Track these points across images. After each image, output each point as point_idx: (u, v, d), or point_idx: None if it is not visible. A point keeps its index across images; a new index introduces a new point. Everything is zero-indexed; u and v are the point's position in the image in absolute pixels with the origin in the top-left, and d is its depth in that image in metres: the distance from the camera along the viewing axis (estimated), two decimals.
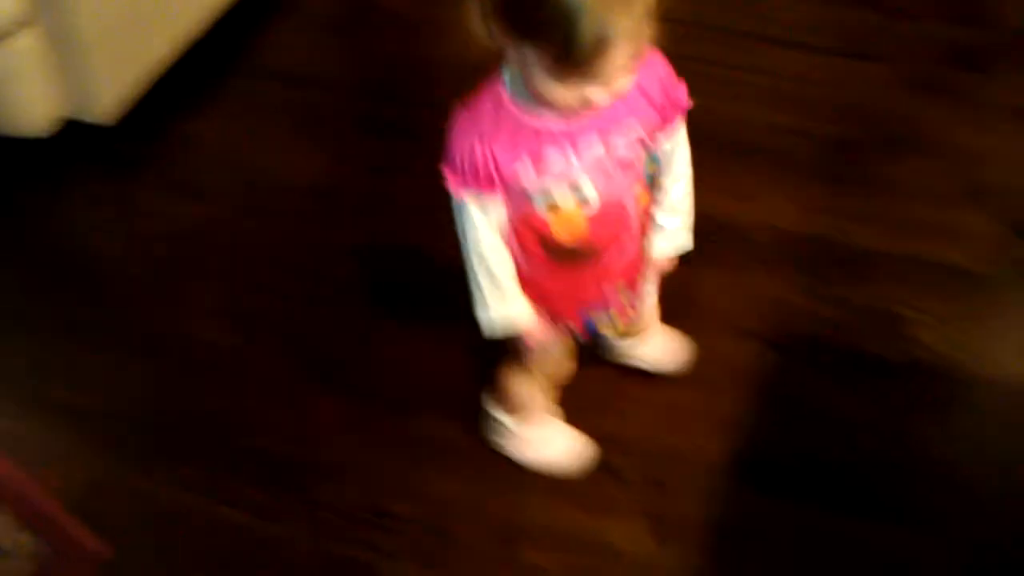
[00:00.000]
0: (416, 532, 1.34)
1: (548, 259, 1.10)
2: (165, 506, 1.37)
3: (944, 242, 1.64)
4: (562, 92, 0.93)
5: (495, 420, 1.39)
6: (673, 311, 1.46)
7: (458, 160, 1.02)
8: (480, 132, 1.00)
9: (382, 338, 1.56)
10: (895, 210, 1.71)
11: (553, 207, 1.05)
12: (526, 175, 1.02)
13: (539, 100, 0.97)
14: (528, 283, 1.13)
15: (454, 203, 1.07)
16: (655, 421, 1.43)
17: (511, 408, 1.36)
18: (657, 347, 1.46)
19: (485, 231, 1.06)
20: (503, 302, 1.11)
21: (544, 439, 1.38)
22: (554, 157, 1.01)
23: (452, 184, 1.04)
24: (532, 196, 1.04)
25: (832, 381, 1.47)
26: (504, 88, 1.01)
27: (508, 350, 1.27)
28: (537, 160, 1.01)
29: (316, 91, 2.00)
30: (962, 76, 1.94)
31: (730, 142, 1.80)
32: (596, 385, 1.46)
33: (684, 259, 1.24)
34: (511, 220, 1.07)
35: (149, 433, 1.46)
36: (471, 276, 1.10)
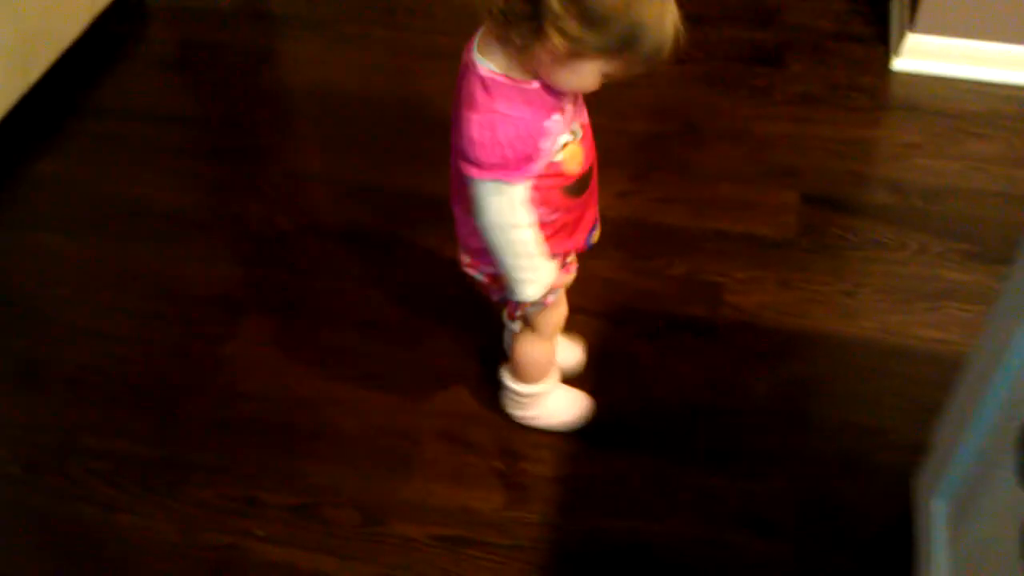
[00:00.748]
0: (288, 517, 1.42)
1: (565, 198, 1.20)
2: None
3: (746, 216, 1.84)
4: (596, 80, 1.06)
5: (518, 394, 1.48)
6: None
7: (504, 152, 1.08)
8: (512, 119, 1.07)
9: (245, 341, 1.65)
10: (702, 192, 1.90)
11: (562, 149, 1.15)
12: (553, 135, 1.11)
13: (547, 81, 1.07)
14: (557, 229, 1.23)
15: (488, 198, 1.12)
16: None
17: (534, 376, 1.46)
18: (577, 351, 1.61)
19: (523, 212, 1.14)
20: (541, 270, 1.22)
21: (560, 398, 1.52)
22: (562, 111, 1.12)
23: (503, 177, 1.10)
24: (553, 150, 1.13)
25: (660, 344, 1.64)
26: (498, 76, 1.07)
27: (526, 322, 1.39)
28: (555, 119, 1.11)
29: (163, 125, 2.08)
30: (756, 70, 2.16)
31: None
32: (442, 365, 1.60)
33: None
34: (535, 184, 1.15)
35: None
36: (510, 258, 1.19)
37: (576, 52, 1.00)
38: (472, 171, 1.10)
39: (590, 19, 0.98)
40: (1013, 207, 1.85)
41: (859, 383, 1.59)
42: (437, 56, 2.16)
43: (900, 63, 2.13)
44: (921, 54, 2.11)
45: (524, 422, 1.53)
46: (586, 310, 1.66)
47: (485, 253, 1.23)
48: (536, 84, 1.08)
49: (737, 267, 1.75)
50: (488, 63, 1.08)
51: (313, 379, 1.59)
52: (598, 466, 1.48)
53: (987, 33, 2.06)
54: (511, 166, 1.09)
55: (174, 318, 1.70)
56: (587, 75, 1.05)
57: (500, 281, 1.27)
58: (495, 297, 1.35)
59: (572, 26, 0.98)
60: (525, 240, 1.17)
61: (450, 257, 1.76)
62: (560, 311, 1.41)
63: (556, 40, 0.98)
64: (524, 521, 1.41)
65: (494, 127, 1.07)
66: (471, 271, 1.32)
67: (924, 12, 2.05)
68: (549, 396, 1.50)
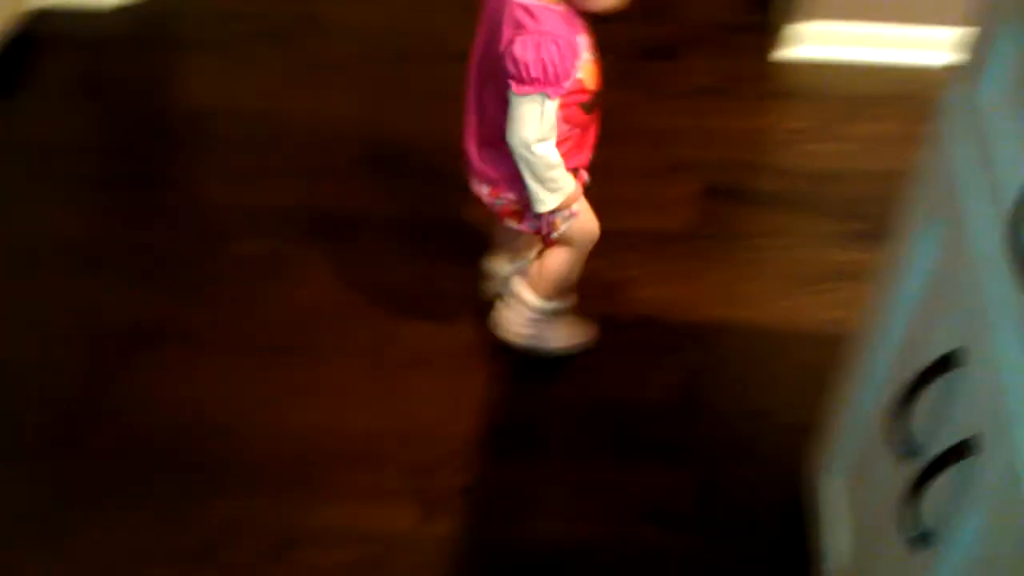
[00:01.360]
0: (188, 561, 1.40)
1: (581, 114, 1.34)
2: None
3: (646, 211, 1.87)
4: None
5: (535, 309, 1.56)
6: (417, 304, 1.63)
7: (549, 68, 1.22)
8: (557, 37, 1.22)
9: (149, 372, 1.63)
10: (603, 189, 1.92)
11: (584, 66, 1.29)
12: (582, 52, 1.27)
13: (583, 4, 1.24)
14: (576, 145, 1.38)
15: (530, 113, 1.26)
16: (414, 409, 1.58)
17: (555, 291, 1.55)
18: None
19: (554, 126, 1.29)
20: (562, 180, 1.35)
21: (567, 323, 1.61)
22: (586, 32, 1.29)
23: (546, 90, 1.24)
24: (580, 66, 1.28)
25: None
26: (539, 3, 1.22)
27: (556, 237, 1.46)
28: (582, 38, 1.28)
29: (63, 155, 2.04)
30: (654, 66, 2.20)
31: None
32: (348, 385, 1.60)
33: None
34: (562, 101, 1.28)
35: None
36: (541, 171, 1.32)
37: None
38: (520, 88, 1.23)
39: None
40: (901, 183, 1.91)
41: (756, 369, 1.63)
42: (339, 69, 2.17)
43: (789, 51, 2.18)
44: (810, 40, 2.15)
45: (524, 344, 1.59)
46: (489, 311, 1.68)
47: (508, 181, 1.36)
48: (563, 7, 1.23)
49: (638, 262, 1.78)
50: (541, 7, 1.21)
51: (219, 407, 1.58)
52: (507, 474, 1.49)
53: (875, 15, 2.11)
54: (553, 81, 1.23)
55: (76, 350, 1.67)
56: None
57: (523, 203, 1.39)
58: (517, 222, 1.45)
59: None
60: (553, 152, 1.31)
61: (361, 275, 1.81)
62: (592, 219, 1.50)
63: None
64: (436, 536, 1.42)
65: (541, 46, 1.21)
66: (491, 199, 1.43)
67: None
68: (558, 319, 1.59)
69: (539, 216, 1.40)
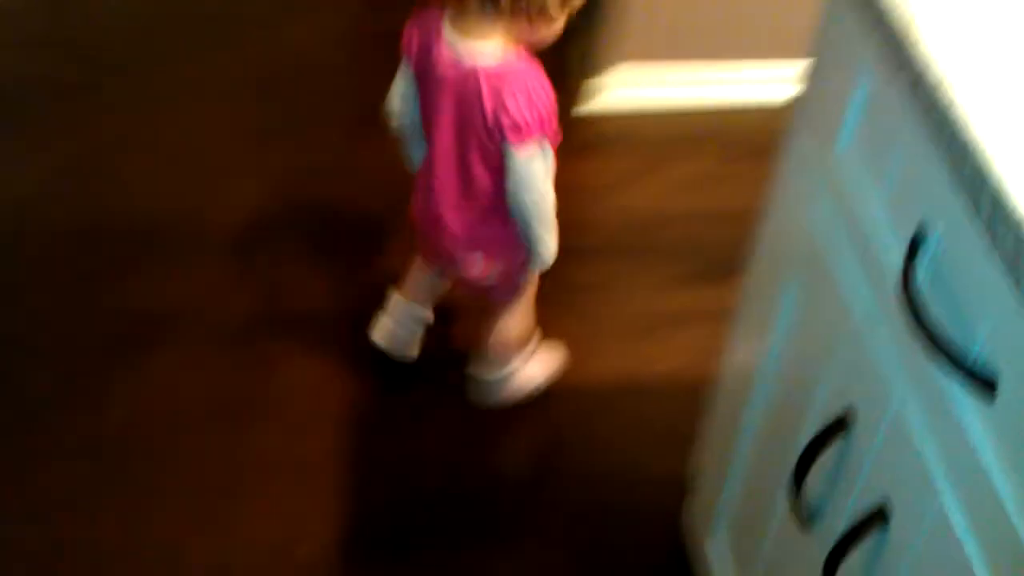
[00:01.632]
0: None
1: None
2: None
3: None
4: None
5: (506, 376, 1.54)
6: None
7: (543, 114, 1.23)
8: (540, 83, 1.23)
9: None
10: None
11: None
12: None
13: (538, 43, 1.25)
14: None
15: (534, 165, 1.26)
16: (261, 529, 1.44)
17: (520, 344, 1.54)
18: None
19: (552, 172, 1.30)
20: (555, 228, 1.35)
21: (539, 357, 1.59)
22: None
23: (547, 136, 1.25)
24: None
25: (405, 433, 1.57)
26: (511, 57, 1.23)
27: (516, 294, 1.47)
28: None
29: None
30: None
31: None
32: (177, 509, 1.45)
33: None
34: None
35: None
36: (543, 222, 1.31)
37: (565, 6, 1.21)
38: (522, 147, 1.23)
39: None
40: (724, 223, 1.94)
41: (613, 427, 1.60)
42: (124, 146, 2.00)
43: (594, 101, 2.19)
44: (613, 87, 2.17)
45: (511, 399, 1.57)
46: (330, 414, 1.57)
47: (502, 245, 1.36)
48: (522, 53, 1.25)
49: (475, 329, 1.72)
50: (490, 51, 1.21)
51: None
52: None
53: (679, 55, 2.14)
54: (548, 130, 1.25)
55: None
56: (559, 24, 1.24)
57: (510, 270, 1.40)
58: (489, 283, 1.43)
59: None
60: (551, 201, 1.31)
61: (180, 386, 1.65)
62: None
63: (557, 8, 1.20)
64: None
65: (530, 95, 1.21)
66: (482, 276, 1.40)
67: (611, 45, 2.12)
68: (533, 357, 1.57)
69: (521, 275, 1.43)
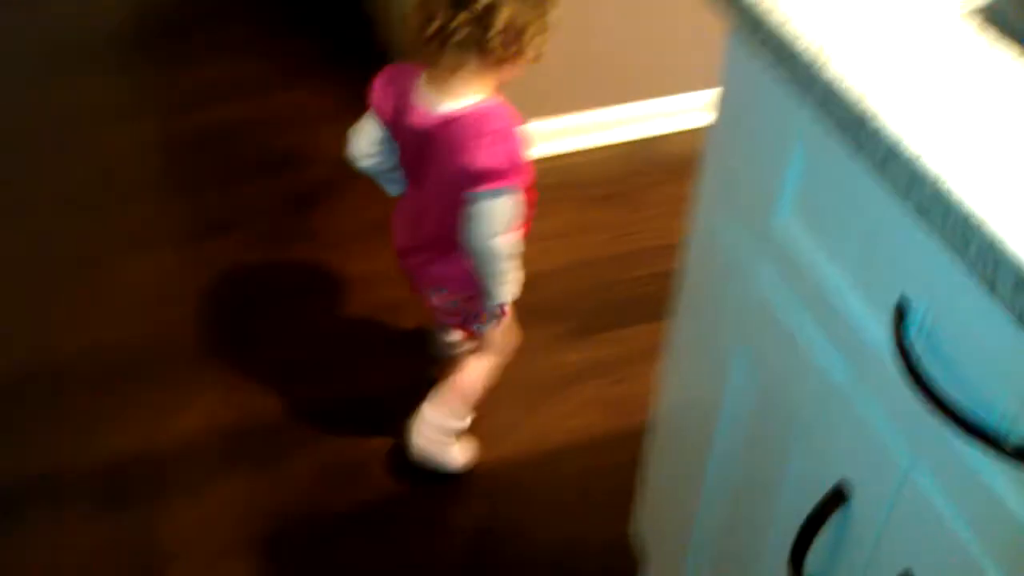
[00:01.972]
0: None
1: (531, 193, 1.37)
2: None
3: (368, 368, 1.74)
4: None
5: (449, 429, 1.51)
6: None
7: (513, 157, 1.24)
8: (508, 131, 1.24)
9: None
10: (340, 353, 1.76)
11: None
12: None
13: (500, 83, 1.28)
14: (527, 225, 1.39)
15: (503, 207, 1.26)
16: None
17: (469, 404, 1.53)
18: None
19: (518, 219, 1.31)
20: (517, 270, 1.37)
21: (465, 437, 1.57)
22: None
23: (516, 181, 1.25)
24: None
25: (332, 547, 1.46)
26: (482, 102, 1.26)
27: (484, 345, 1.48)
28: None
29: None
30: (315, 215, 2.05)
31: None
32: None
33: None
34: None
35: None
36: (505, 262, 1.32)
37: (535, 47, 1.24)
38: (483, 186, 1.23)
39: (543, 11, 1.24)
40: (594, 271, 1.93)
41: (545, 500, 1.55)
42: None
43: None
44: None
45: (435, 461, 1.53)
46: (243, 537, 1.43)
47: (463, 279, 1.36)
48: (492, 91, 1.27)
49: (367, 434, 1.64)
50: (466, 100, 1.25)
51: None
52: None
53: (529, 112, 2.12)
54: (518, 172, 1.25)
55: None
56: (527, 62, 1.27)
57: (472, 302, 1.40)
58: (457, 322, 1.48)
59: (529, 17, 1.22)
60: (514, 243, 1.33)
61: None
62: (515, 325, 1.53)
63: (533, 45, 1.24)
64: None
65: (504, 140, 1.23)
66: (446, 304, 1.43)
67: None
68: (458, 437, 1.54)
69: (478, 316, 1.42)
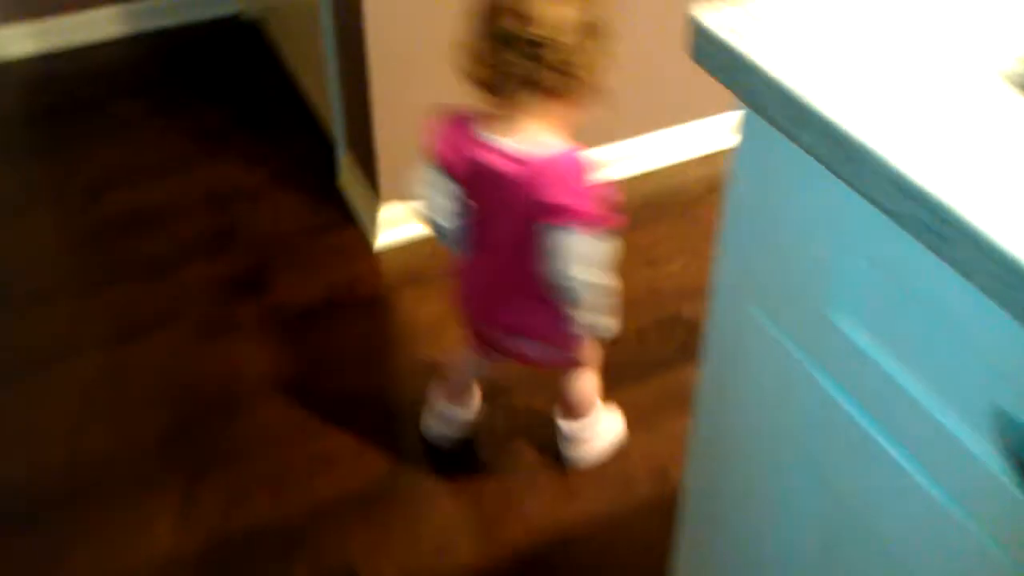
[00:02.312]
0: None
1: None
2: None
3: (342, 471, 1.61)
4: None
5: (588, 431, 1.57)
6: None
7: (595, 192, 1.24)
8: (592, 167, 1.24)
9: None
10: (252, 471, 1.62)
11: None
12: None
13: (570, 121, 1.28)
14: None
15: (600, 246, 1.26)
16: None
17: (592, 404, 1.56)
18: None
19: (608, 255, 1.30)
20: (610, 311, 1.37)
21: (605, 415, 1.61)
22: None
23: (598, 219, 1.24)
24: None
25: None
26: (562, 147, 1.25)
27: (578, 362, 1.49)
28: None
29: None
30: (251, 304, 1.91)
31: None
32: None
33: None
34: None
35: None
36: (605, 297, 1.32)
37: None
38: (572, 225, 1.22)
39: (594, 35, 1.22)
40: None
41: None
42: None
43: (386, 236, 2.03)
44: (404, 221, 2.03)
45: (593, 457, 1.59)
46: None
47: (549, 325, 1.37)
48: (564, 135, 1.27)
49: (354, 535, 1.51)
50: (537, 140, 1.24)
51: None
52: None
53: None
54: (599, 208, 1.23)
55: None
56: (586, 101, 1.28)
57: (570, 342, 1.41)
58: (549, 359, 1.45)
59: (585, 52, 1.21)
60: (604, 284, 1.31)
61: None
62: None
63: (590, 79, 1.24)
64: None
65: (573, 179, 1.22)
66: (541, 353, 1.42)
67: (386, 178, 1.97)
68: (600, 418, 1.58)
69: (570, 347, 1.42)
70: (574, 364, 1.48)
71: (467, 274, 1.41)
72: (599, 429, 1.60)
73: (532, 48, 1.18)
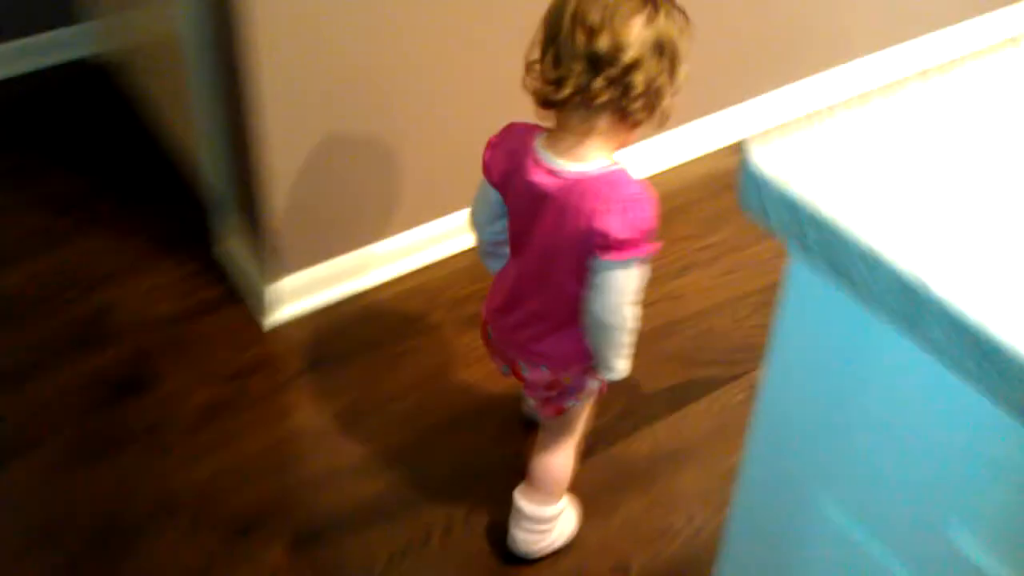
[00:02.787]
0: None
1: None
2: None
3: None
4: None
5: (552, 519, 1.46)
6: None
7: (646, 226, 1.18)
8: (639, 199, 1.19)
9: None
10: None
11: None
12: None
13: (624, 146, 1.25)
14: None
15: (633, 276, 1.21)
16: None
17: (564, 487, 1.46)
18: None
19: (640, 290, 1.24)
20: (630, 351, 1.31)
21: (571, 508, 1.52)
22: None
23: (650, 250, 1.19)
24: None
25: None
26: (609, 167, 1.20)
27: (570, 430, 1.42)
28: None
29: None
30: (130, 409, 1.66)
31: None
32: None
33: None
34: None
35: None
36: (627, 334, 1.26)
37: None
38: (616, 256, 1.18)
39: (673, 59, 1.17)
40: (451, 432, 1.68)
41: None
42: None
43: (283, 312, 1.81)
44: (298, 294, 1.82)
45: (544, 552, 1.48)
46: None
47: (569, 356, 1.31)
48: (617, 158, 1.22)
49: None
50: (594, 162, 1.19)
51: None
52: None
53: (346, 247, 1.84)
54: (646, 239, 1.19)
55: None
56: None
57: (577, 378, 1.34)
58: (550, 397, 1.37)
59: (665, 77, 1.17)
60: (632, 320, 1.26)
61: None
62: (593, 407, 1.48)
63: (666, 107, 1.20)
64: None
65: (637, 207, 1.17)
66: (544, 379, 1.34)
67: (277, 244, 1.75)
68: (564, 507, 1.49)
69: (574, 392, 1.36)
70: (569, 406, 1.39)
71: (497, 280, 1.38)
72: (561, 519, 1.48)
73: (622, 74, 1.14)
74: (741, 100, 2.19)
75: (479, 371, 1.72)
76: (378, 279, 1.88)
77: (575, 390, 1.36)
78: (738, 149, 0.63)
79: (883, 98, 0.67)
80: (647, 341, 1.60)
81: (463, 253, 1.91)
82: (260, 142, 1.60)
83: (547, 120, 1.22)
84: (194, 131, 1.83)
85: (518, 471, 1.49)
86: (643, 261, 1.22)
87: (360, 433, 1.64)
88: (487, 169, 1.28)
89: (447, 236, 1.91)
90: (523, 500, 1.43)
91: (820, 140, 0.64)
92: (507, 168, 1.25)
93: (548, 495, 1.44)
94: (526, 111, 1.24)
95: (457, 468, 1.60)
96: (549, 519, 1.45)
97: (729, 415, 1.68)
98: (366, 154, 1.74)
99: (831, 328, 0.65)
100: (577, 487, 1.50)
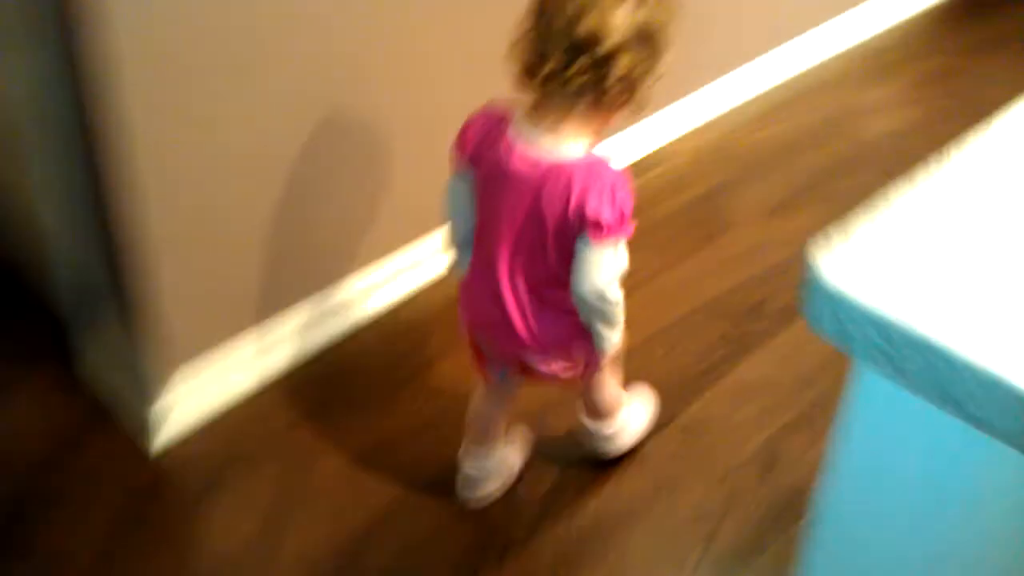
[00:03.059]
0: None
1: None
2: None
3: None
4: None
5: (616, 429, 1.53)
6: None
7: (624, 209, 1.20)
8: (618, 182, 1.21)
9: None
10: None
11: None
12: None
13: (603, 130, 1.25)
14: None
15: (614, 258, 1.23)
16: None
17: (620, 402, 1.51)
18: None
19: (622, 268, 1.27)
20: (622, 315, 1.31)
21: (639, 400, 1.60)
22: None
23: (627, 232, 1.22)
24: None
25: None
26: (590, 151, 1.22)
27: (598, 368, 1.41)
28: None
29: None
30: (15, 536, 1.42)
31: None
32: None
33: None
34: None
35: None
36: (617, 311, 1.29)
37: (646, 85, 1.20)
38: (599, 240, 1.19)
39: (657, 46, 1.18)
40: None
41: None
42: None
43: (166, 430, 1.60)
44: (184, 410, 1.61)
45: (624, 449, 1.57)
46: None
47: (573, 336, 1.31)
48: (595, 145, 1.23)
49: None
50: (572, 145, 1.20)
51: None
52: None
53: (241, 325, 1.64)
54: (628, 223, 1.21)
55: None
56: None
57: (581, 352, 1.34)
58: (567, 374, 1.37)
59: (647, 64, 1.18)
60: (619, 291, 1.27)
61: None
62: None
63: (645, 93, 1.20)
64: None
65: (614, 192, 1.18)
66: (549, 367, 1.34)
67: (161, 343, 1.54)
68: (628, 410, 1.55)
69: (590, 364, 1.37)
70: (590, 376, 1.43)
71: (472, 286, 1.35)
72: (628, 420, 1.57)
73: (605, 59, 1.13)
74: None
75: (416, 449, 1.59)
76: (286, 361, 1.71)
77: (592, 360, 1.37)
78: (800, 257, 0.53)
79: (928, 176, 0.59)
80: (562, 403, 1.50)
81: (388, 313, 1.79)
82: (131, 224, 1.41)
83: (527, 93, 1.21)
84: (38, 219, 1.59)
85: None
86: (619, 245, 1.24)
87: (284, 548, 1.47)
88: (461, 147, 1.26)
89: (366, 294, 1.77)
90: (586, 420, 1.52)
91: (885, 237, 0.55)
92: (483, 148, 1.24)
93: (605, 415, 1.52)
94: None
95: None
96: (615, 428, 1.53)
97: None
98: (262, 217, 1.57)
99: (918, 444, 0.57)
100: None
